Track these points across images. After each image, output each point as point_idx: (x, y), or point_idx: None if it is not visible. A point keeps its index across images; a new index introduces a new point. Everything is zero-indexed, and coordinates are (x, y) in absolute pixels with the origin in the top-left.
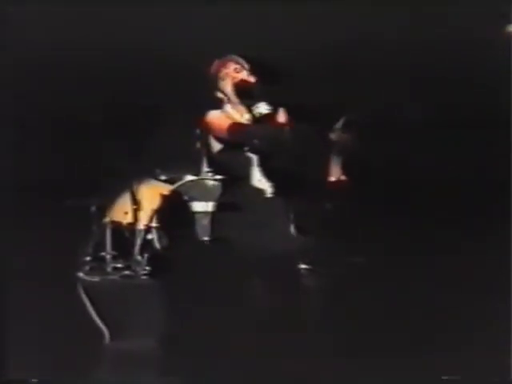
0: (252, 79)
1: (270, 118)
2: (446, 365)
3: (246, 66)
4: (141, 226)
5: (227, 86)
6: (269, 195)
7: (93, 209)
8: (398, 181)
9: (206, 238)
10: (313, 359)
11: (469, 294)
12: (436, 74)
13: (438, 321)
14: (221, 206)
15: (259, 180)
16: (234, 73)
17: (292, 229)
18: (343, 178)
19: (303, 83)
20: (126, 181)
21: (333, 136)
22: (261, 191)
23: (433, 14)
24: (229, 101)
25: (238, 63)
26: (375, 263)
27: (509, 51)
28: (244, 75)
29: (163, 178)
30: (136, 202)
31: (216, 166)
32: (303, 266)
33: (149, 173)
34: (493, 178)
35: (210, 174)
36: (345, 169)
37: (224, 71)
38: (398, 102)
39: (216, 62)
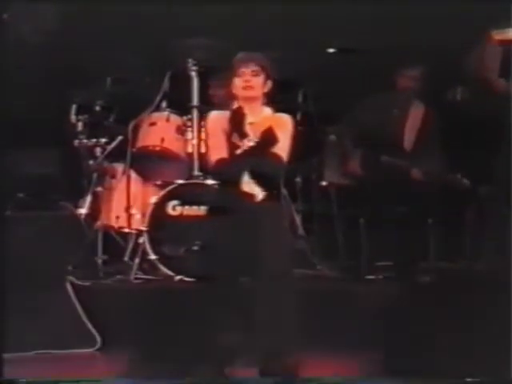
0: (266, 87)
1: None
2: (445, 365)
3: (268, 69)
4: (132, 230)
5: (238, 87)
6: (259, 199)
7: (84, 212)
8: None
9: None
10: None
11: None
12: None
13: (439, 321)
14: (212, 211)
15: (249, 184)
16: (249, 75)
17: (285, 232)
18: (337, 181)
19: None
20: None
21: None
22: (251, 196)
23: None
24: (234, 101)
25: (258, 65)
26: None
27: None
28: (259, 81)
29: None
30: (128, 206)
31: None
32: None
33: None
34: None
35: (201, 178)
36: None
37: (241, 70)
38: None
39: (239, 56)
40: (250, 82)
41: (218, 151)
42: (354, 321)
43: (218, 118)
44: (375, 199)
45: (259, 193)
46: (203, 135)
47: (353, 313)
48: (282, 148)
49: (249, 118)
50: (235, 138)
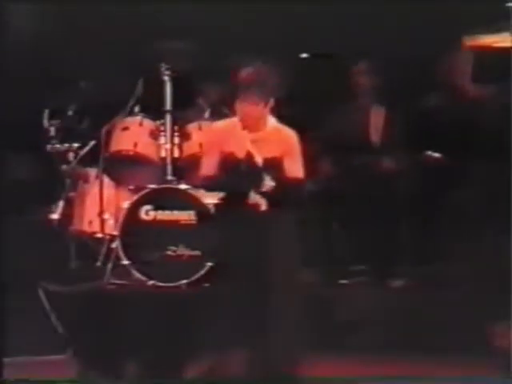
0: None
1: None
2: (446, 364)
3: (271, 89)
4: (105, 234)
5: (240, 111)
6: (263, 209)
7: (56, 218)
8: None
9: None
10: None
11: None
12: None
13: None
14: (218, 220)
15: (254, 195)
16: (251, 104)
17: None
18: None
19: None
20: None
21: None
22: (256, 206)
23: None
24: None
25: (260, 91)
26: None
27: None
28: (260, 108)
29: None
30: (101, 211)
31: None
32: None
33: None
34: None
35: (174, 183)
36: None
37: (243, 95)
38: None
39: (242, 76)
40: (251, 112)
41: (207, 165)
42: (332, 323)
43: (218, 130)
44: (348, 203)
45: (263, 203)
46: (198, 145)
47: (330, 316)
48: (298, 169)
49: (251, 135)
50: (236, 152)
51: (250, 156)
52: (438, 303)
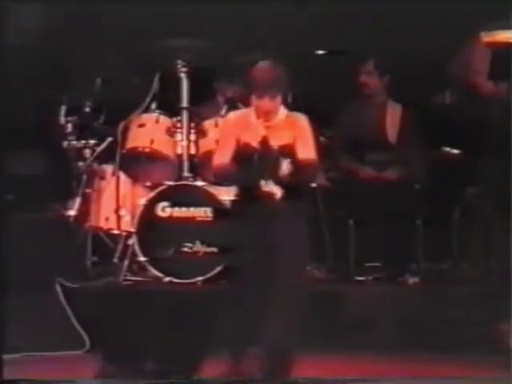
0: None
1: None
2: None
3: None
4: (121, 231)
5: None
6: (278, 198)
7: (73, 214)
8: None
9: None
10: None
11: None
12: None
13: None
14: (233, 211)
15: (267, 184)
16: (267, 100)
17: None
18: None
19: None
20: None
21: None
22: (270, 195)
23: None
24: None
25: (276, 86)
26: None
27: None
28: (276, 103)
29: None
30: (117, 208)
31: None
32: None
33: None
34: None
35: (190, 179)
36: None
37: (257, 94)
38: None
39: (256, 71)
40: (266, 107)
41: (221, 155)
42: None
43: (233, 120)
44: (364, 200)
45: (278, 191)
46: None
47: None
48: (310, 150)
49: (265, 124)
50: (251, 141)
51: (265, 144)
52: (450, 301)
